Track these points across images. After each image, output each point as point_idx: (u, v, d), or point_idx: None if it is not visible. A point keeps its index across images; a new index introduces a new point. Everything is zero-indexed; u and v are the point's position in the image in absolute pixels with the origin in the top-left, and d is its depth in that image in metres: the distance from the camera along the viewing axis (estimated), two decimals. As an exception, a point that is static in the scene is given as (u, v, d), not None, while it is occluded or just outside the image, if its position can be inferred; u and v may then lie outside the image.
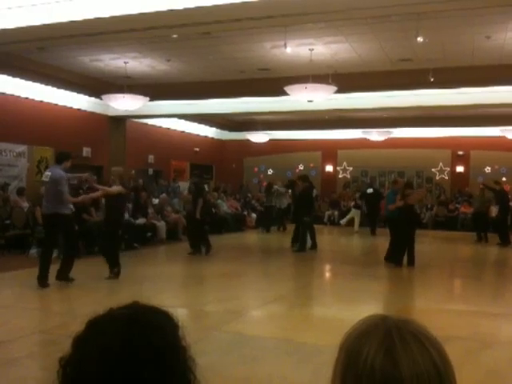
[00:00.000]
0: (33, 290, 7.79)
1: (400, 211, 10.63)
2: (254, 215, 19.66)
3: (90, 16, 7.59)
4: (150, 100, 14.23)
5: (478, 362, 5.05)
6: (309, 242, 13.04)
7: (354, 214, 18.52)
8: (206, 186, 14.64)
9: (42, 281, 7.91)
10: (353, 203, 19.10)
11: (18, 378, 4.40)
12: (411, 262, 10.64)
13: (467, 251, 14.69)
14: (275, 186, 18.21)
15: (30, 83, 13.78)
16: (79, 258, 9.22)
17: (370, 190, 17.88)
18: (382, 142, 20.83)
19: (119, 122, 17.45)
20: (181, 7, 7.12)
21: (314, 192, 13.34)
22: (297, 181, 14.09)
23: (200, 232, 12.06)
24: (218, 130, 23.84)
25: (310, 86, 11.57)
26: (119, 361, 0.93)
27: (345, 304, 7.44)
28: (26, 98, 14.04)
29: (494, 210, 16.37)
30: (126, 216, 12.75)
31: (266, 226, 17.97)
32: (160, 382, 0.96)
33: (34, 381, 4.31)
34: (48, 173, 8.24)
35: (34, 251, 10.99)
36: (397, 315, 0.93)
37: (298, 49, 11.44)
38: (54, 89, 14.55)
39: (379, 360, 0.84)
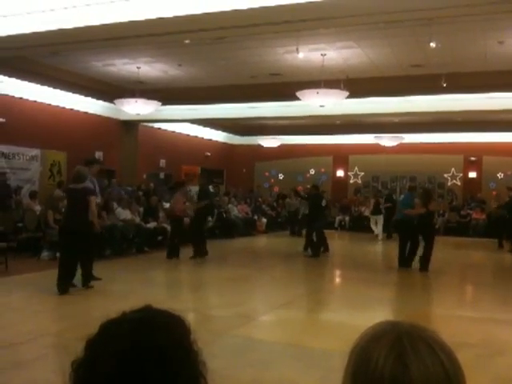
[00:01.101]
0: (43, 292, 7.82)
1: (421, 217, 10.87)
2: (264, 220, 19.65)
3: (104, 22, 7.63)
4: (162, 105, 14.30)
5: (490, 368, 5.00)
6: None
7: (377, 219, 18.07)
8: (210, 188, 14.60)
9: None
10: (371, 209, 18.36)
11: (27, 380, 4.41)
12: (425, 267, 10.69)
13: (479, 257, 14.58)
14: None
15: (42, 87, 13.88)
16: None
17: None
18: (394, 147, 20.75)
19: (131, 126, 17.54)
20: (194, 13, 7.15)
21: (324, 202, 13.31)
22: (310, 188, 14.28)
23: (195, 234, 12.10)
24: (229, 135, 23.87)
25: (321, 91, 11.57)
26: (126, 362, 0.94)
27: (354, 310, 7.40)
28: (39, 102, 14.15)
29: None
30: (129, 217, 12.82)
31: (295, 229, 18.47)
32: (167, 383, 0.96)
33: (44, 383, 4.33)
34: None
35: (45, 254, 11.06)
36: (407, 321, 0.93)
37: (310, 54, 11.45)
38: (67, 93, 14.65)
39: (389, 365, 0.84)
